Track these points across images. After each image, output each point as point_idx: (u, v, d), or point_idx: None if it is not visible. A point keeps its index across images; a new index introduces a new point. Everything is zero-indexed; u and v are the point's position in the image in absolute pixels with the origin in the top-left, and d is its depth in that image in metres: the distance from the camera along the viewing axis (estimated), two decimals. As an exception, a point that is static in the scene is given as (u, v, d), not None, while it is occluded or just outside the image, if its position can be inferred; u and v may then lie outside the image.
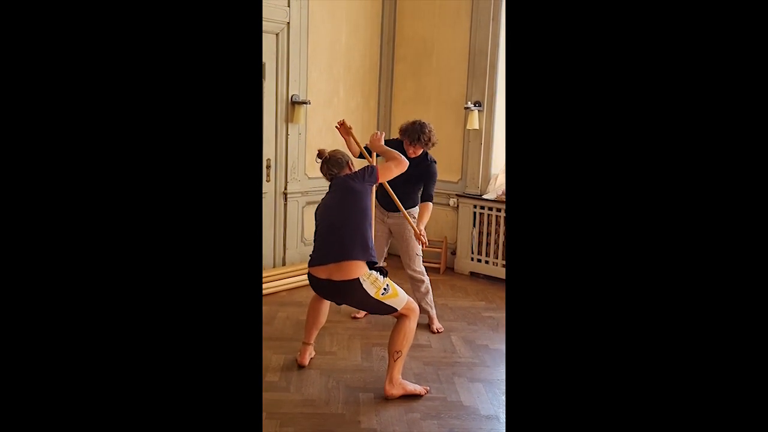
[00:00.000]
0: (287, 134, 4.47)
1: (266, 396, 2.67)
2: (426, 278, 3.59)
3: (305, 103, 4.48)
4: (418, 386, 2.77)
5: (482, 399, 2.75)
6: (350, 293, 2.58)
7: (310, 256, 2.69)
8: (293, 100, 4.43)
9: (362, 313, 3.74)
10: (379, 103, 5.28)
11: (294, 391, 2.76)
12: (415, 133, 3.31)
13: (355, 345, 3.32)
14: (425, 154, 3.46)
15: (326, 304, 3.02)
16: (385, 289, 2.59)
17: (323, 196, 2.85)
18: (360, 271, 2.53)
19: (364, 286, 2.54)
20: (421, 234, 3.29)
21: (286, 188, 4.52)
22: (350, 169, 2.81)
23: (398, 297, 2.65)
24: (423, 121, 3.38)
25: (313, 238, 2.76)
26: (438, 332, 3.56)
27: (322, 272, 2.59)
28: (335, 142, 4.91)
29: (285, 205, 4.55)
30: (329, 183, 2.83)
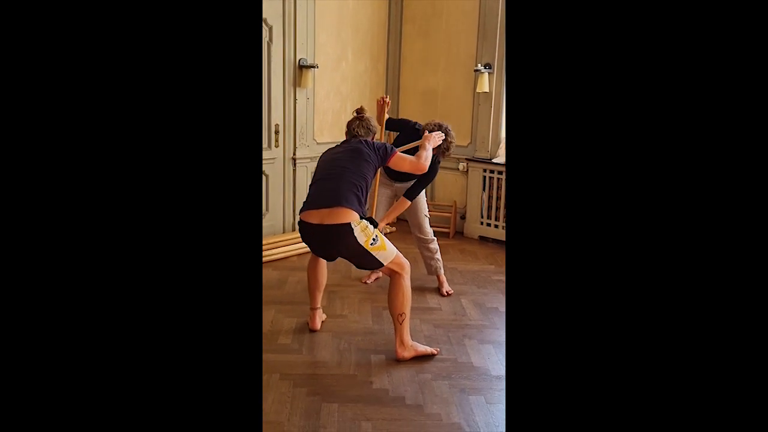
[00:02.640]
0: (295, 99, 4.43)
1: (279, 358, 2.72)
2: (434, 239, 3.62)
3: (313, 66, 4.42)
4: (429, 347, 2.81)
5: (492, 360, 2.78)
6: (340, 239, 2.57)
7: (304, 203, 2.71)
8: (301, 64, 4.38)
9: (372, 278, 3.77)
10: (387, 66, 5.21)
11: (306, 353, 2.80)
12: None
13: (365, 308, 3.36)
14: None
15: (323, 264, 3.06)
16: (374, 239, 2.60)
17: (331, 147, 2.92)
18: (352, 217, 2.56)
19: (354, 232, 2.55)
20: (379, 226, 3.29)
21: (294, 153, 4.50)
22: (371, 140, 2.95)
23: (386, 250, 2.65)
24: (448, 127, 3.30)
25: (309, 185, 2.79)
26: (448, 295, 3.59)
27: (314, 217, 2.61)
28: (343, 107, 4.87)
29: (294, 170, 4.54)
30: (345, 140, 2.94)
